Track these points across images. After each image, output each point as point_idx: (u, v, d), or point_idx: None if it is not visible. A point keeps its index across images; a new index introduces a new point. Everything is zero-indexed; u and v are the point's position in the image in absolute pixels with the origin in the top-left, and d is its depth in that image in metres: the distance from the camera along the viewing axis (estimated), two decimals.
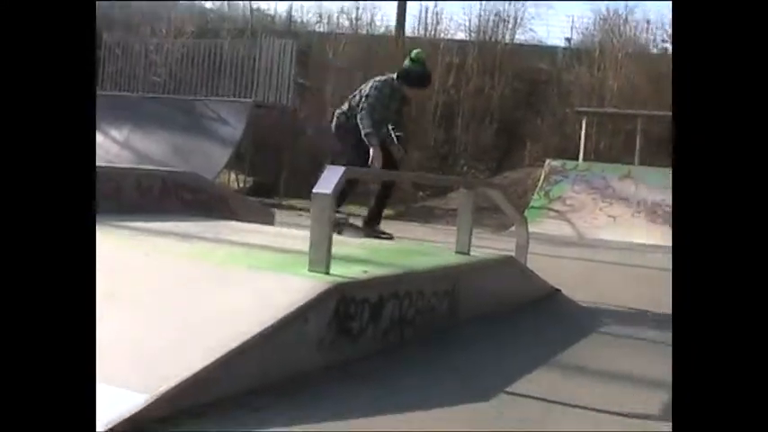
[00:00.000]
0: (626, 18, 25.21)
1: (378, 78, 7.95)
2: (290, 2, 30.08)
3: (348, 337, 4.42)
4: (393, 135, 8.03)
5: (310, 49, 24.00)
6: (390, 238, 7.91)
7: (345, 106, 8.03)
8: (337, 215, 6.97)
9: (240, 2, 28.34)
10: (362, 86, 7.98)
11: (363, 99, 7.70)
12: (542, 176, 17.47)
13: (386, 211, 17.08)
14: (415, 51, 8.11)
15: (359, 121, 7.64)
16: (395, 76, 7.87)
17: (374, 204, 8.32)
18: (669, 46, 25.80)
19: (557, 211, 16.35)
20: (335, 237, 4.89)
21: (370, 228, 8.02)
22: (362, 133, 7.58)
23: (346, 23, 26.17)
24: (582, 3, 38.18)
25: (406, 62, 7.98)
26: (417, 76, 7.94)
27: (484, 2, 26.19)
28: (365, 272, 4.86)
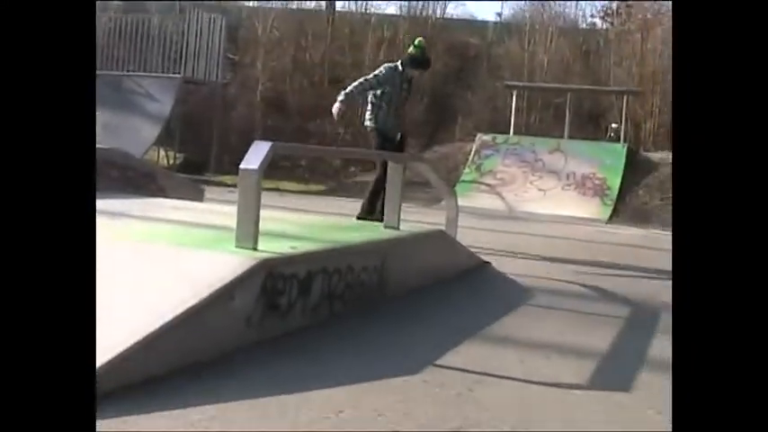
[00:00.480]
0: None
1: (385, 65, 9.00)
2: None
3: (277, 313, 4.39)
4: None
5: (240, 24, 23.80)
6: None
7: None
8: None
9: None
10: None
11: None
12: (473, 150, 17.57)
13: (318, 187, 17.04)
14: (417, 39, 9.25)
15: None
16: (399, 63, 8.87)
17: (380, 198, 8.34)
18: (598, 21, 26.14)
19: (487, 185, 16.48)
20: (267, 212, 4.86)
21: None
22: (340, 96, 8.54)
23: None
24: None
25: (411, 49, 9.10)
26: (420, 60, 9.04)
27: None
28: (293, 247, 4.84)
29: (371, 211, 8.44)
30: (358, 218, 8.38)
